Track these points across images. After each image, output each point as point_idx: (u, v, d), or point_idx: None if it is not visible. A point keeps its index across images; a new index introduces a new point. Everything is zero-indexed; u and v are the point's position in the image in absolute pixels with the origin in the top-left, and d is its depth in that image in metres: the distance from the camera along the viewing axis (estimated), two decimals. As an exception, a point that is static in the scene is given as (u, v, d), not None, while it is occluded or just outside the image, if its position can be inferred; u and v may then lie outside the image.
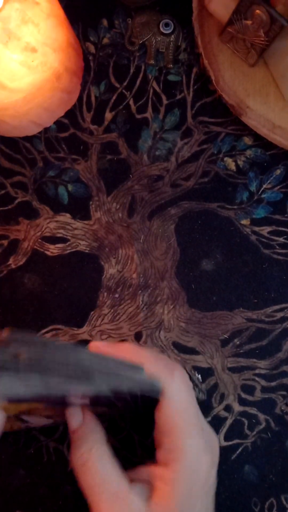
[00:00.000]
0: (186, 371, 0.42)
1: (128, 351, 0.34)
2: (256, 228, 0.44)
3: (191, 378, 0.43)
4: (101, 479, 0.30)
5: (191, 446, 0.31)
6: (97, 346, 0.34)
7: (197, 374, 0.43)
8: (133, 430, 0.43)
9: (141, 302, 0.44)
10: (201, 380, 0.43)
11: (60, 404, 0.32)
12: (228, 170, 0.44)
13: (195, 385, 0.43)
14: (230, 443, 0.43)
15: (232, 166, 0.44)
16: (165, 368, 0.33)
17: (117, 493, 0.30)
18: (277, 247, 0.44)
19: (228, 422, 0.43)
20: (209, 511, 0.31)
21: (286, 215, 0.44)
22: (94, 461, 0.31)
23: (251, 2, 0.38)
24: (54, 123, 0.44)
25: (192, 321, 0.44)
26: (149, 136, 0.44)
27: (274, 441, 0.43)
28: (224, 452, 0.43)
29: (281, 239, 0.44)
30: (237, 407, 0.43)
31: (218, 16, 0.40)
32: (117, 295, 0.44)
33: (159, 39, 0.43)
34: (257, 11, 0.38)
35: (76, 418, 0.33)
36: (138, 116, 0.44)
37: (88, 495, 0.30)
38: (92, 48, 0.44)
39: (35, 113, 0.40)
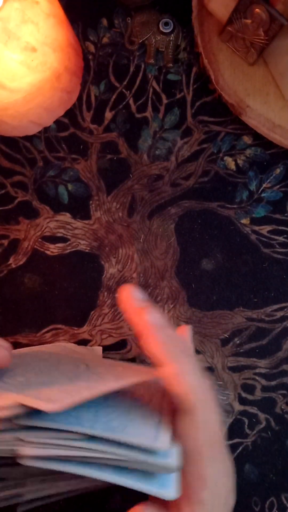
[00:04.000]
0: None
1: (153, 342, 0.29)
2: (256, 227, 0.44)
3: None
4: None
5: (216, 473, 0.29)
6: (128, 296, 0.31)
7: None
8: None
9: (141, 302, 0.44)
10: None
11: None
12: (228, 169, 0.44)
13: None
14: (230, 442, 0.43)
15: (232, 166, 0.44)
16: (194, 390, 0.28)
17: None
18: (277, 246, 0.44)
19: (228, 421, 0.43)
20: None
21: (286, 214, 0.44)
22: None
23: (251, 1, 0.38)
24: (54, 122, 0.44)
25: (192, 320, 0.44)
26: (149, 135, 0.44)
27: (274, 440, 0.43)
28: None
29: (281, 238, 0.44)
30: (237, 406, 0.44)
31: (218, 15, 0.40)
32: (117, 295, 0.44)
33: (158, 38, 0.43)
34: (257, 10, 0.38)
35: None
36: (138, 116, 0.44)
37: None
38: (92, 48, 0.44)
39: (35, 113, 0.40)
